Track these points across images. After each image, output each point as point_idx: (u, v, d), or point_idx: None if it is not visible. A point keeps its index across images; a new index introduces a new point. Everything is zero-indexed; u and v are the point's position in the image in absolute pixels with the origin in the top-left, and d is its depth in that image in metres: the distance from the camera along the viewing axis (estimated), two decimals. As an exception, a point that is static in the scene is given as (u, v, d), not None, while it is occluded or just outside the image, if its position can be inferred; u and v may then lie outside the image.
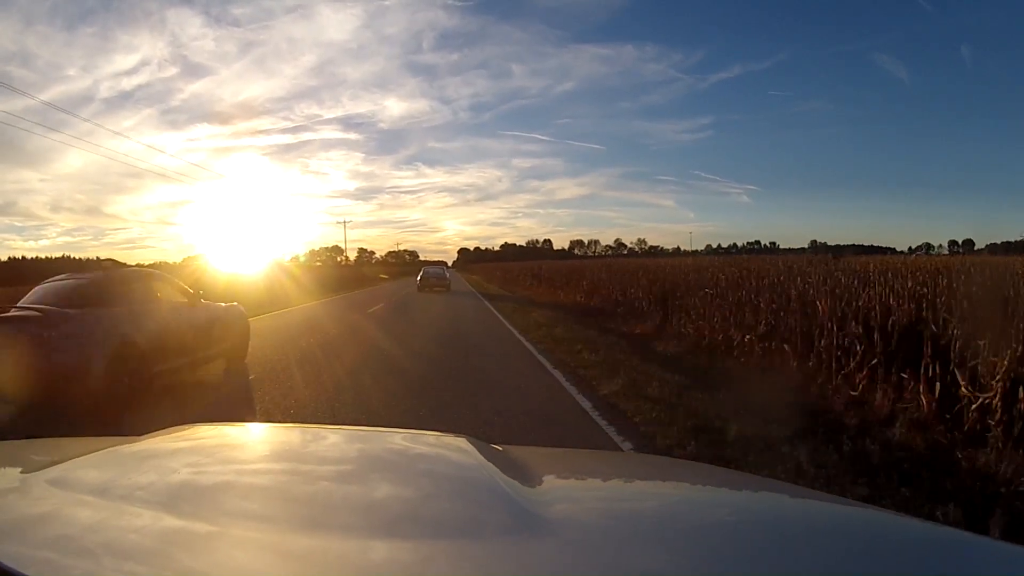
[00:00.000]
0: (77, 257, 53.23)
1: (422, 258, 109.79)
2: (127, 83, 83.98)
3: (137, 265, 11.75)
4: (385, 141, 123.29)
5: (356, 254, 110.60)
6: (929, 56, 70.45)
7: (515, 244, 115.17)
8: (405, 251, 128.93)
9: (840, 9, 76.54)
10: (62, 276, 5.46)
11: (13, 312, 4.52)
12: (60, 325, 4.41)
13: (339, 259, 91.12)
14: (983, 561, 0.74)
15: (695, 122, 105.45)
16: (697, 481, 1.13)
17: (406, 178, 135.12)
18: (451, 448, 1.12)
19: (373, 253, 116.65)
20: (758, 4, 76.98)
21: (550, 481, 0.98)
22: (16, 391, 4.13)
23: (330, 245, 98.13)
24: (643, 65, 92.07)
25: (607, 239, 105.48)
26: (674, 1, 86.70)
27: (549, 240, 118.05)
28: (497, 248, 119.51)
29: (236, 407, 5.18)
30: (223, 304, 6.92)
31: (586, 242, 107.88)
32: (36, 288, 5.29)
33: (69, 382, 4.25)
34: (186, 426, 1.26)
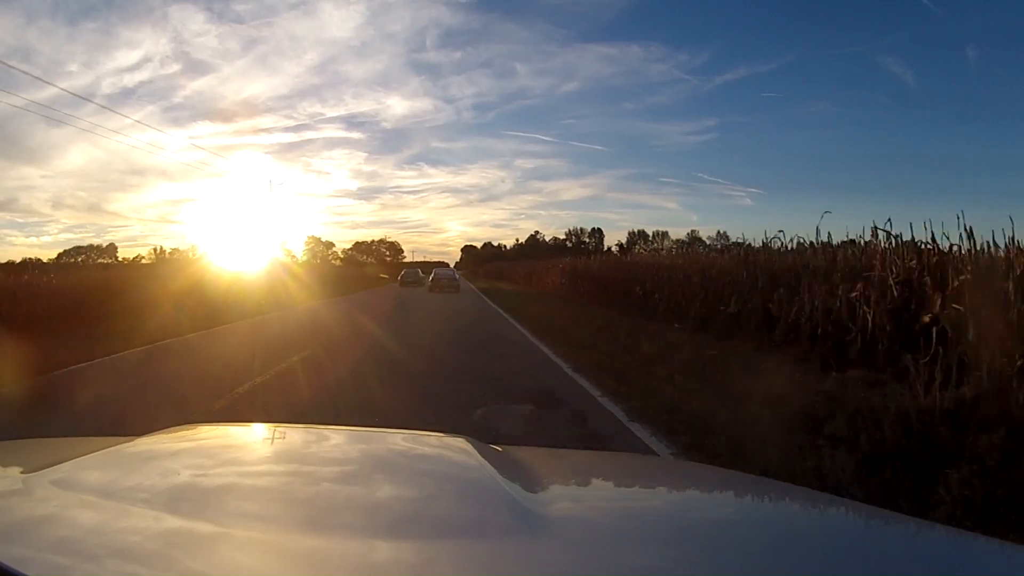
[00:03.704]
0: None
1: (409, 258, 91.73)
2: (129, 80, 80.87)
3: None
4: (388, 140, 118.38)
5: (307, 246, 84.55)
6: (935, 58, 72.73)
7: (543, 240, 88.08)
8: (382, 242, 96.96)
9: (845, 11, 78.28)
10: (414, 267, 42.25)
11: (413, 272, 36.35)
12: (421, 274, 34.19)
13: (286, 257, 73.05)
14: (983, 561, 0.74)
15: (699, 124, 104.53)
16: (697, 481, 1.15)
17: (409, 178, 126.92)
18: (452, 449, 1.13)
19: (331, 246, 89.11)
20: (763, 6, 79.52)
21: (550, 481, 1.00)
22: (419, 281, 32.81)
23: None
24: (648, 65, 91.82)
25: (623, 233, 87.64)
26: (680, 1, 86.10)
27: (599, 229, 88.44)
28: (517, 243, 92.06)
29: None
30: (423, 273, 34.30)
31: (651, 234, 78.63)
32: (409, 268, 40.50)
33: (422, 284, 31.23)
34: (188, 426, 1.27)
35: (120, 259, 64.23)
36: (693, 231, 69.18)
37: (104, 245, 71.70)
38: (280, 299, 17.68)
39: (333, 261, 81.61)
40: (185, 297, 13.57)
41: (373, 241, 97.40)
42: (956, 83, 68.42)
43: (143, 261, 61.67)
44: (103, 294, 12.35)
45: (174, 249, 65.81)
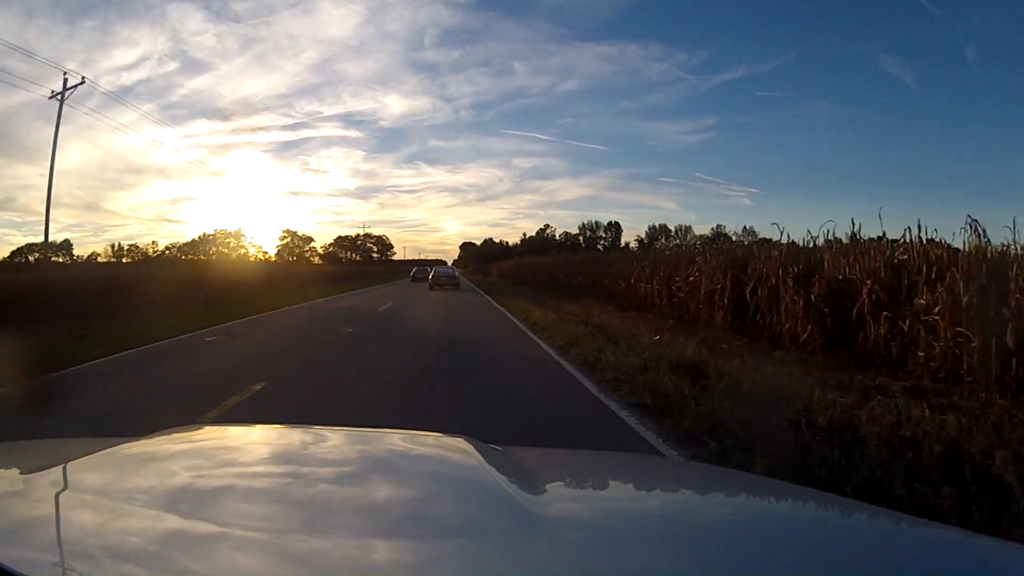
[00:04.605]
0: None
1: (400, 254, 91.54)
2: (127, 78, 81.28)
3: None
4: (386, 139, 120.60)
5: (281, 241, 77.20)
6: (935, 58, 72.44)
7: (552, 235, 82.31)
8: (368, 236, 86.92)
9: (845, 11, 78.54)
10: (423, 264, 49.10)
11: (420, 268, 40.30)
12: (429, 270, 32.19)
13: (237, 254, 64.16)
14: (983, 561, 0.74)
15: (698, 123, 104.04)
16: (697, 481, 1.15)
17: (407, 177, 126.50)
18: (451, 449, 1.13)
19: (310, 240, 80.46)
20: (763, 5, 76.75)
21: (550, 481, 1.00)
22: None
23: (216, 231, 68.91)
24: (647, 65, 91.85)
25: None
26: (679, 0, 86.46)
27: (616, 223, 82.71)
28: (524, 238, 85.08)
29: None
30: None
31: (673, 229, 74.49)
32: (419, 266, 44.64)
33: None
34: (187, 427, 1.27)
35: (75, 257, 59.72)
36: (719, 225, 65.30)
37: (59, 242, 64.18)
38: (214, 313, 12.13)
39: (312, 258, 75.41)
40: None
41: (358, 236, 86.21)
42: (956, 83, 68.03)
43: (99, 259, 58.60)
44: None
45: (132, 246, 63.46)
